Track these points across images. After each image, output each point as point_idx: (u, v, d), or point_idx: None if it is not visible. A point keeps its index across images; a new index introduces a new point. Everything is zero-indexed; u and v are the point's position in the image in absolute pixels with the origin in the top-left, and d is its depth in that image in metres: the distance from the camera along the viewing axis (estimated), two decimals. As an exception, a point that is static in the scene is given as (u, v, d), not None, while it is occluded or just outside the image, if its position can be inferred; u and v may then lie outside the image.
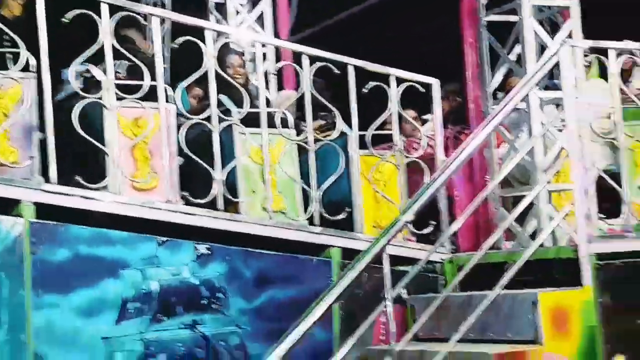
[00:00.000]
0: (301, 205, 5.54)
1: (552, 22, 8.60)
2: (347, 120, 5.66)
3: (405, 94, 5.76)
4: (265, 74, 8.08)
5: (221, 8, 8.45)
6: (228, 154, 5.32)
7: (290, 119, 5.57)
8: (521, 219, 5.87)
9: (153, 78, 5.03)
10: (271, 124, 5.44)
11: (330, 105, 5.49)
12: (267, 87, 8.03)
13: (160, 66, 5.06)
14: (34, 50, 4.76)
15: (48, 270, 4.64)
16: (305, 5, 8.70)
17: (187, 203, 5.10)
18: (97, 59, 4.97)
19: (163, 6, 11.36)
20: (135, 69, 5.09)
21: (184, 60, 5.48)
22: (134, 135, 5.12)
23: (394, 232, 4.52)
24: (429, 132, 6.87)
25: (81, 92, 4.87)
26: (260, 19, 8.44)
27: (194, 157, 5.12)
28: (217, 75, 5.25)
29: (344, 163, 5.55)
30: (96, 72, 5.04)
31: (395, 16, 9.92)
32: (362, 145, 5.73)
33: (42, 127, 4.82)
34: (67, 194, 4.78)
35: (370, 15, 8.70)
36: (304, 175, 5.55)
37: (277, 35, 8.58)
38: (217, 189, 5.17)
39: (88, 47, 4.87)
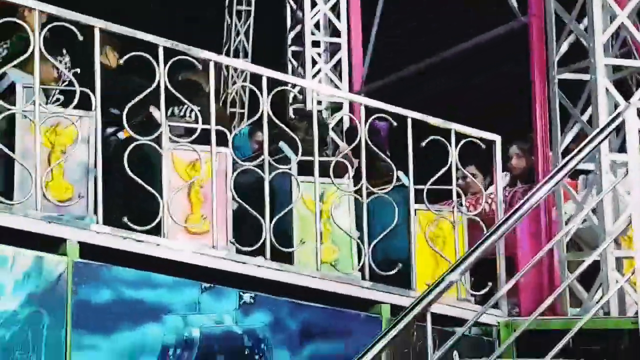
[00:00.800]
0: (356, 259, 5.42)
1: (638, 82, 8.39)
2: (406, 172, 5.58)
3: (474, 150, 5.63)
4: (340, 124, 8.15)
5: (298, 56, 8.54)
6: (284, 202, 5.26)
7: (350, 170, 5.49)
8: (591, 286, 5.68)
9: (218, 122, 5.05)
10: (336, 174, 5.38)
11: (384, 156, 5.37)
12: (340, 136, 8.06)
13: (212, 109, 5.04)
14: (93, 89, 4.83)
15: (90, 310, 4.64)
16: (380, 55, 8.70)
17: (237, 250, 5.03)
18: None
19: (246, 53, 11.78)
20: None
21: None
22: (189, 179, 5.10)
23: (438, 291, 4.35)
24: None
25: (133, 134, 4.89)
26: (337, 68, 8.50)
27: (242, 203, 5.06)
28: (282, 121, 5.25)
29: (398, 217, 5.42)
30: (156, 113, 5.07)
31: (466, 70, 9.82)
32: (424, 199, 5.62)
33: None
34: (113, 235, 4.78)
35: (443, 68, 8.61)
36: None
37: (351, 85, 8.62)
38: (265, 237, 5.10)
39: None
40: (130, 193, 5.01)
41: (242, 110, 11.06)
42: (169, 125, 5.09)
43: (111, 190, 4.95)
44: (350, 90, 8.46)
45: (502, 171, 6.60)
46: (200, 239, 5.02)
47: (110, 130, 5.21)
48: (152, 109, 5.14)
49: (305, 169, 5.31)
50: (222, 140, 5.13)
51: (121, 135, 5.32)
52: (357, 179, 5.51)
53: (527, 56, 6.08)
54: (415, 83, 8.98)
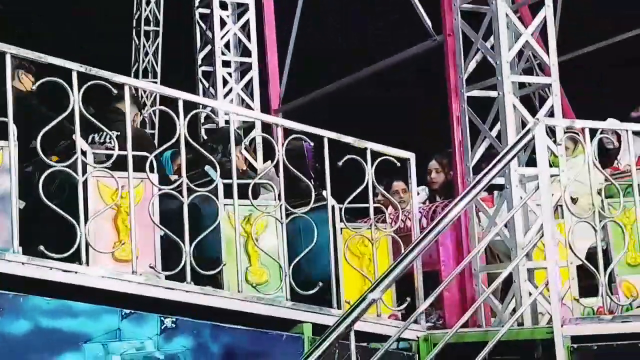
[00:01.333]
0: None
1: (541, 97, 8.64)
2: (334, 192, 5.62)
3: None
4: (252, 143, 8.18)
5: (209, 76, 8.54)
6: (208, 225, 5.25)
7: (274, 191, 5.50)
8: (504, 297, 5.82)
9: (137, 148, 5.03)
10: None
11: (301, 176, 5.41)
12: (255, 157, 8.09)
13: (129, 136, 5.01)
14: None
15: (7, 342, 4.54)
16: (298, 73, 8.78)
17: (167, 276, 5.02)
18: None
19: (155, 74, 11.71)
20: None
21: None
22: (115, 205, 5.07)
23: (361, 309, 4.42)
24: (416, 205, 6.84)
25: (47, 161, 4.82)
26: (248, 87, 8.53)
27: (162, 228, 5.04)
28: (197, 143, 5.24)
29: (320, 236, 5.47)
30: (79, 141, 5.02)
31: (385, 87, 9.98)
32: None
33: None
34: (29, 264, 4.69)
35: (365, 85, 8.74)
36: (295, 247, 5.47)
37: (267, 104, 8.66)
38: (185, 261, 5.08)
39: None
40: (54, 221, 4.92)
41: (151, 131, 11.00)
42: (94, 153, 5.05)
43: (35, 218, 4.88)
44: (268, 109, 8.49)
45: (421, 185, 6.73)
46: (127, 266, 4.98)
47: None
48: (76, 136, 5.03)
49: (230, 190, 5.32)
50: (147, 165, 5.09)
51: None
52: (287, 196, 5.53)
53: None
54: (335, 101, 9.07)
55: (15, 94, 4.90)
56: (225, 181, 5.29)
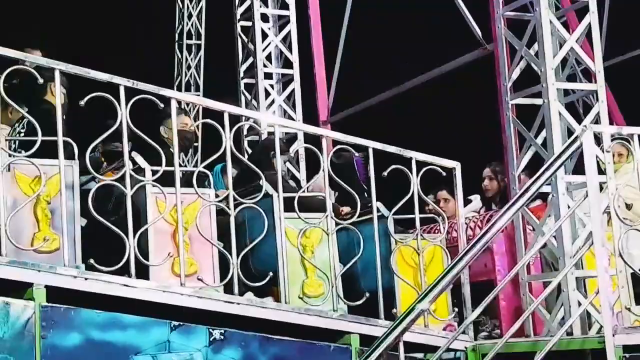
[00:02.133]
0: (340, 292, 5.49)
1: (585, 104, 8.58)
2: (386, 201, 5.66)
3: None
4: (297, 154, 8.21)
5: (251, 88, 8.59)
6: (262, 240, 5.30)
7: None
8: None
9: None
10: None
11: (346, 187, 5.43)
12: (298, 168, 8.13)
13: (176, 148, 5.07)
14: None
15: (59, 355, 4.60)
16: (346, 84, 8.81)
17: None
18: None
19: (197, 87, 11.78)
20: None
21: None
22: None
23: (409, 320, 4.41)
24: (469, 213, 6.84)
25: (102, 178, 4.93)
26: (290, 99, 8.56)
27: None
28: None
29: (363, 249, 5.50)
30: (127, 156, 5.06)
31: (434, 97, 9.94)
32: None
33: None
34: (79, 277, 4.76)
35: (415, 95, 8.76)
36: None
37: (315, 115, 8.69)
38: (233, 272, 5.12)
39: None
40: (114, 237, 4.95)
41: (195, 144, 11.09)
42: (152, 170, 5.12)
43: (94, 235, 4.98)
44: (315, 120, 8.50)
45: (475, 193, 6.71)
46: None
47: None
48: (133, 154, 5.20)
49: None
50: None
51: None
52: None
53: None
54: (384, 111, 9.09)
55: (48, 108, 4.96)
56: (285, 195, 5.33)
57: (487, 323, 6.28)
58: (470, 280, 5.71)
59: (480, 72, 7.22)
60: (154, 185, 5.06)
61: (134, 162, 5.22)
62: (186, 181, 5.17)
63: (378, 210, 5.56)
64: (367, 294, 5.45)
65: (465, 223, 6.15)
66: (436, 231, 6.02)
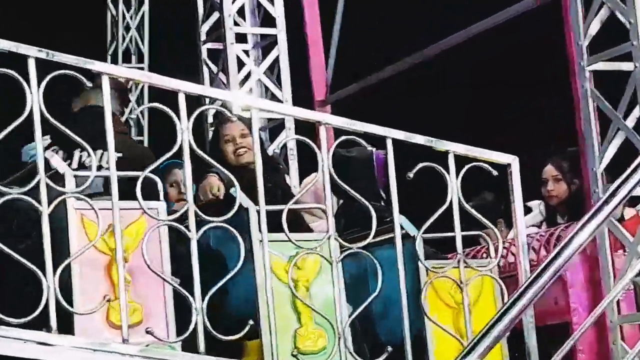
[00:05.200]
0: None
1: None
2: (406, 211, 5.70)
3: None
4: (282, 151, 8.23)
5: (217, 56, 8.58)
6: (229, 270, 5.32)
7: None
8: None
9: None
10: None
11: (354, 193, 5.42)
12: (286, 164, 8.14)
13: (110, 139, 5.09)
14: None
15: None
16: (348, 54, 8.82)
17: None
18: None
19: (140, 57, 11.71)
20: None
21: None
22: (107, 249, 5.20)
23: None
24: (529, 229, 6.82)
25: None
26: (273, 71, 8.56)
27: (166, 279, 5.13)
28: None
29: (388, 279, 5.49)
30: (54, 160, 5.15)
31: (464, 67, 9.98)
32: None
33: None
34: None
35: (434, 67, 8.77)
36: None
37: (308, 94, 8.69)
38: (197, 322, 5.12)
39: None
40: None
41: (140, 138, 11.06)
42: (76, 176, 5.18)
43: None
44: (312, 101, 8.50)
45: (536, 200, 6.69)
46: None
47: None
48: (47, 153, 5.28)
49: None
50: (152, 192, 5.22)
51: None
52: (346, 226, 5.65)
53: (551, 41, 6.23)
54: (397, 88, 9.09)
55: None
56: (269, 208, 5.33)
57: None
58: (535, 323, 5.70)
59: (533, 28, 7.24)
60: (78, 199, 5.04)
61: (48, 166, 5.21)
62: (124, 192, 5.16)
63: (402, 227, 5.56)
64: (389, 349, 5.44)
65: (508, 246, 6.17)
66: (483, 255, 6.01)
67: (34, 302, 4.89)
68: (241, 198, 5.45)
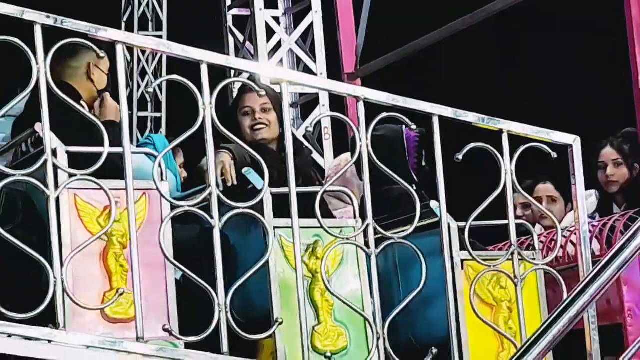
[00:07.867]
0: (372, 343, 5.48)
1: None
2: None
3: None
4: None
5: (243, 24, 8.59)
6: (248, 262, 5.31)
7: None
8: None
9: None
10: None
11: (396, 177, 5.41)
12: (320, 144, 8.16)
13: (125, 115, 5.11)
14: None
15: None
16: (380, 23, 8.83)
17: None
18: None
19: (158, 24, 11.79)
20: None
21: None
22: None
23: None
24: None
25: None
26: (306, 40, 8.57)
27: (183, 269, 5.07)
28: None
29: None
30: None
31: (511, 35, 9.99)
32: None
33: None
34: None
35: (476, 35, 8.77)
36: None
37: (336, 66, 8.71)
38: (219, 320, 5.11)
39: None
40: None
41: (157, 114, 11.11)
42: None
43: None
44: (339, 73, 8.48)
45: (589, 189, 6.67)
46: (126, 329, 5.08)
47: None
48: (37, 126, 5.23)
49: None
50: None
51: None
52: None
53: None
54: (433, 59, 9.08)
55: None
56: (277, 190, 5.33)
57: None
58: (576, 326, 5.67)
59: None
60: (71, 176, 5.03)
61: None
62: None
63: (435, 215, 5.56)
64: (435, 350, 5.43)
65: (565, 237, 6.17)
66: (529, 247, 6.02)
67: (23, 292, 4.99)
68: (255, 180, 5.44)
